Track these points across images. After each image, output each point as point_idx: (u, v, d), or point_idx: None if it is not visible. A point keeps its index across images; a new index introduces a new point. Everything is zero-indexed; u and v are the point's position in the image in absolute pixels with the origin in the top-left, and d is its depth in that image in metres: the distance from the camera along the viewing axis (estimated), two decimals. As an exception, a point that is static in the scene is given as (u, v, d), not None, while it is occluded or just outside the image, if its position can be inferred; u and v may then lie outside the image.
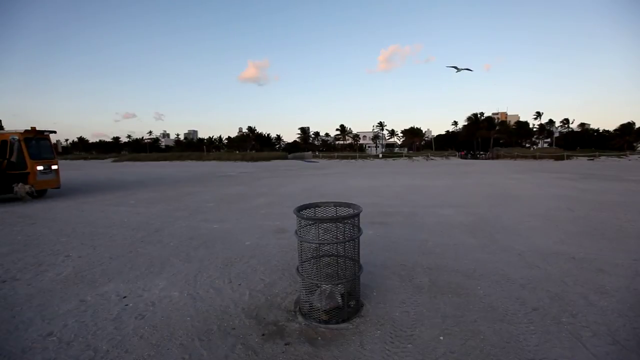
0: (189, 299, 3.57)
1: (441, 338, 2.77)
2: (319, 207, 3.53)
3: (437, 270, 4.23)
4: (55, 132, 11.56)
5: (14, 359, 2.61)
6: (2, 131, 11.30)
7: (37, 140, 11.02)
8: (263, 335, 2.86)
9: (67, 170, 26.02)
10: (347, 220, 3.12)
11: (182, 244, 5.60)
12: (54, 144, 11.98)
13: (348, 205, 3.41)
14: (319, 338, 2.80)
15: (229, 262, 4.69)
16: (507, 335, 2.79)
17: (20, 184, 10.17)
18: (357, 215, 3.16)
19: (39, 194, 11.01)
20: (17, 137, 10.25)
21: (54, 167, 11.34)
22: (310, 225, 3.18)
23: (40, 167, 10.71)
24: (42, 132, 11.19)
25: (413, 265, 4.43)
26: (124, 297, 3.64)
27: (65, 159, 51.46)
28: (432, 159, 41.85)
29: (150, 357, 2.59)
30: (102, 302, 3.51)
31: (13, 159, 10.42)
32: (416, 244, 5.38)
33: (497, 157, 47.73)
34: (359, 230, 3.20)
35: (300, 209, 3.30)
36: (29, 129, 10.71)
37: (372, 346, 2.68)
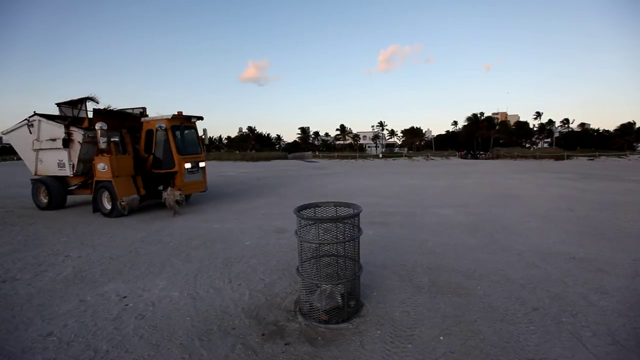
0: (189, 299, 3.57)
1: (441, 338, 2.77)
2: (319, 207, 3.53)
3: (437, 270, 4.23)
4: (202, 118, 9.20)
5: (14, 359, 2.61)
6: (147, 118, 8.64)
7: (183, 130, 8.73)
8: (263, 335, 2.86)
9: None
10: (347, 220, 3.12)
11: (182, 244, 5.60)
12: (201, 134, 9.39)
13: (348, 205, 3.42)
14: (319, 338, 2.80)
15: (229, 262, 4.70)
16: (507, 335, 2.79)
17: (170, 189, 7.85)
18: (357, 215, 3.16)
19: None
20: (164, 125, 8.03)
21: (202, 164, 9.05)
22: (310, 225, 3.18)
23: (188, 165, 8.39)
24: (190, 118, 8.86)
25: (413, 265, 4.43)
26: (124, 297, 3.64)
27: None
28: (432, 159, 41.85)
29: (150, 357, 2.59)
30: (102, 302, 3.51)
31: (159, 154, 8.36)
32: (416, 244, 5.38)
33: (497, 157, 47.72)
34: (359, 230, 3.20)
35: (300, 209, 3.30)
36: (176, 114, 8.38)
37: (372, 346, 2.68)
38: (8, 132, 9.24)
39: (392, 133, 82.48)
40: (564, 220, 6.83)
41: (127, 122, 8.87)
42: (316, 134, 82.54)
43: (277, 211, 8.24)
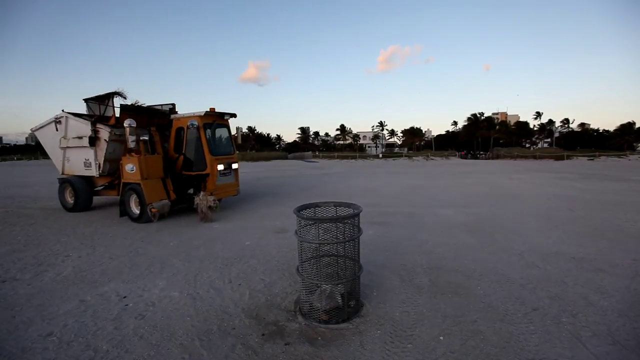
0: (189, 299, 3.57)
1: (441, 338, 2.77)
2: (319, 207, 3.53)
3: (437, 270, 4.23)
4: (235, 115, 8.38)
5: (14, 359, 2.61)
6: (177, 115, 8.00)
7: (215, 128, 8.06)
8: (263, 335, 2.86)
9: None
10: (347, 220, 3.12)
11: (182, 244, 5.60)
12: (235, 133, 8.60)
13: (348, 205, 3.42)
14: (319, 338, 2.80)
15: (229, 262, 4.69)
16: (507, 335, 2.79)
17: (202, 193, 7.18)
18: (357, 215, 3.16)
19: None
20: (196, 123, 7.30)
21: (235, 165, 8.38)
22: (310, 225, 3.18)
23: (220, 167, 7.71)
24: (223, 115, 8.12)
25: (413, 265, 4.43)
26: (124, 297, 3.64)
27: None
28: (432, 159, 41.86)
29: (150, 357, 2.59)
30: (102, 302, 3.51)
31: (190, 154, 7.66)
32: (416, 243, 5.38)
33: (497, 157, 47.73)
34: (359, 230, 3.20)
35: (300, 209, 3.30)
36: (209, 110, 7.66)
37: (372, 346, 2.68)
38: (37, 129, 9.01)
39: (392, 133, 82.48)
40: (564, 220, 6.83)
41: (155, 119, 8.30)
42: (316, 134, 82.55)
43: (277, 211, 8.24)
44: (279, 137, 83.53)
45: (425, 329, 2.91)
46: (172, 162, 7.84)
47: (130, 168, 7.24)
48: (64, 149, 8.45)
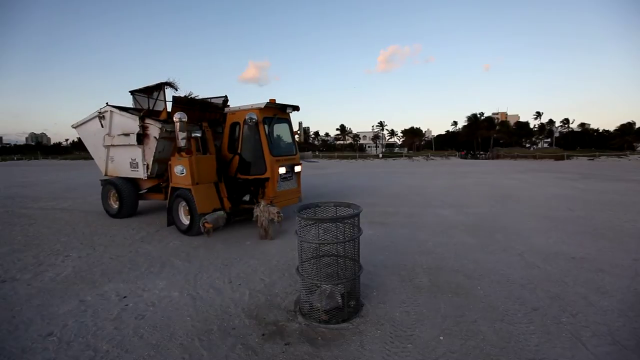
0: (189, 299, 3.57)
1: (441, 338, 2.77)
2: (319, 207, 3.53)
3: (437, 270, 4.23)
4: (298, 108, 7.14)
5: (14, 359, 2.61)
6: (232, 108, 6.86)
7: (274, 123, 6.78)
8: (263, 335, 2.86)
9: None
10: (347, 220, 3.12)
11: (182, 244, 5.60)
12: (297, 129, 7.52)
13: (348, 205, 3.42)
14: (319, 338, 2.80)
15: (229, 262, 4.70)
16: (507, 335, 2.79)
17: (263, 204, 5.77)
18: (357, 215, 3.16)
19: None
20: (255, 117, 6.05)
21: (297, 168, 7.11)
22: (310, 225, 3.18)
23: (282, 170, 6.43)
24: (285, 107, 6.84)
25: (413, 265, 4.43)
26: (124, 297, 3.64)
27: (66, 158, 51.51)
28: (432, 159, 41.84)
29: (150, 357, 2.59)
30: (102, 302, 3.51)
31: (247, 155, 6.44)
32: (416, 244, 5.38)
33: (497, 157, 47.69)
34: (359, 230, 3.20)
35: (300, 209, 3.30)
36: (269, 102, 6.40)
37: (372, 346, 2.68)
38: (79, 125, 8.21)
39: (392, 133, 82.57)
40: (564, 220, 6.83)
41: (207, 113, 7.35)
42: (316, 133, 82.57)
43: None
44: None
45: (425, 329, 2.91)
46: (225, 164, 6.69)
47: (179, 170, 6.16)
48: (108, 147, 7.63)
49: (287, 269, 4.34)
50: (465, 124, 71.76)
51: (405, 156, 48.44)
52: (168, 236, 6.08)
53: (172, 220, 6.42)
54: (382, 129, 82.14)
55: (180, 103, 6.77)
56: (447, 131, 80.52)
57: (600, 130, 64.75)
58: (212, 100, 7.61)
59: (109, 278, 4.16)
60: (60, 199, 10.73)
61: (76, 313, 3.30)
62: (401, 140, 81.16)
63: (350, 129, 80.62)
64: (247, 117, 6.04)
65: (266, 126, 6.45)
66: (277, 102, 6.54)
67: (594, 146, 50.86)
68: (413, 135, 73.79)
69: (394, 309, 3.26)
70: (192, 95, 7.09)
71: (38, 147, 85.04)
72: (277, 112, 6.75)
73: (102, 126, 7.56)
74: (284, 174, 6.50)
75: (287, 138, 7.23)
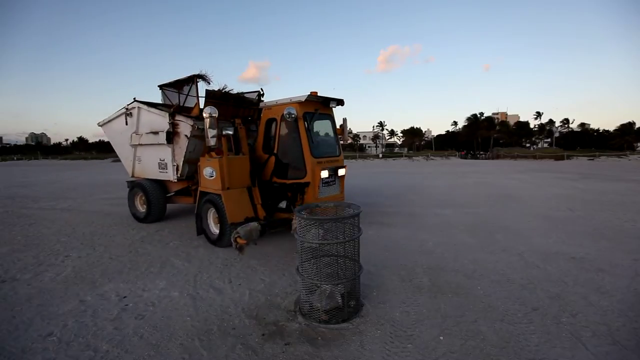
0: (189, 299, 3.57)
1: (441, 338, 2.77)
2: (319, 207, 3.53)
3: (437, 270, 4.23)
4: (343, 102, 6.17)
5: (14, 359, 2.61)
6: (269, 102, 6.04)
7: (315, 120, 5.90)
8: (263, 335, 2.86)
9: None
10: (347, 220, 3.12)
11: (182, 244, 5.60)
12: (341, 125, 6.61)
13: (348, 205, 3.42)
14: (319, 338, 2.80)
15: (229, 262, 4.70)
16: (507, 335, 2.79)
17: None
18: (357, 215, 3.16)
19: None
20: (294, 112, 5.13)
21: (341, 172, 6.02)
22: (310, 225, 3.18)
23: (324, 173, 5.52)
24: (328, 101, 5.95)
25: (413, 265, 4.43)
26: (124, 297, 3.64)
27: (66, 158, 51.49)
28: (432, 159, 41.83)
29: (150, 357, 2.59)
30: (102, 302, 3.51)
31: (284, 156, 5.68)
32: (416, 244, 5.37)
33: (497, 157, 47.68)
34: (359, 230, 3.20)
35: (300, 209, 3.30)
36: (310, 95, 5.59)
37: (372, 346, 2.68)
38: (104, 124, 7.72)
39: (392, 133, 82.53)
40: (564, 220, 6.83)
41: (240, 109, 6.52)
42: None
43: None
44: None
45: (425, 329, 2.91)
46: (259, 166, 5.88)
47: (209, 173, 5.49)
48: (135, 146, 7.08)
49: (287, 269, 4.34)
50: (465, 124, 71.74)
51: (405, 156, 48.42)
52: (168, 236, 6.08)
53: (202, 229, 5.73)
54: (382, 129, 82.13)
55: (214, 98, 6.00)
56: (447, 131, 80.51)
57: (600, 130, 64.73)
58: (246, 95, 6.89)
59: (109, 278, 4.17)
60: (60, 199, 10.74)
61: (76, 313, 3.30)
62: (401, 140, 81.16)
63: (350, 129, 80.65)
64: (285, 113, 5.17)
65: (306, 123, 5.61)
66: (318, 94, 5.73)
67: (594, 146, 50.86)
68: (413, 135, 73.78)
69: (394, 309, 3.26)
70: (227, 89, 6.36)
71: (38, 147, 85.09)
72: (319, 106, 5.89)
73: (128, 124, 7.05)
74: (327, 178, 5.63)
75: (330, 137, 6.32)
